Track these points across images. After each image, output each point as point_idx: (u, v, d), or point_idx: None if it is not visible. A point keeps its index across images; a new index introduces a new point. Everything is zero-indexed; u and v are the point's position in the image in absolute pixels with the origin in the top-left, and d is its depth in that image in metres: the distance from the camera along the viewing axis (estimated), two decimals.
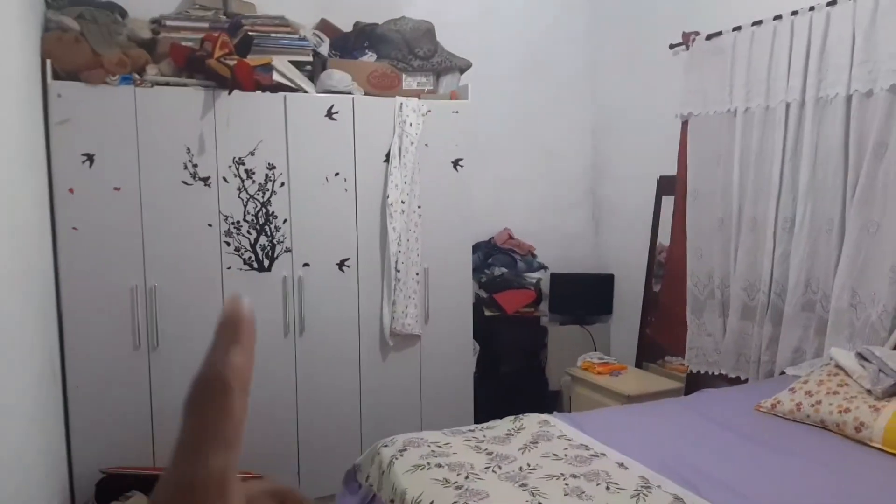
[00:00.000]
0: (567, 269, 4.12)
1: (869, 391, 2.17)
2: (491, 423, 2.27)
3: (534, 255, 3.93)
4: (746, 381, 3.16)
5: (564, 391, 3.90)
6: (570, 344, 4.02)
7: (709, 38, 3.28)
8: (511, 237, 3.95)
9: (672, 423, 2.26)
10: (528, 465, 1.90)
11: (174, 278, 2.76)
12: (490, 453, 1.99)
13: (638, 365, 3.86)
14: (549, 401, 3.93)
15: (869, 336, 2.54)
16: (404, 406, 3.23)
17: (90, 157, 2.61)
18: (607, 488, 1.76)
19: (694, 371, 3.42)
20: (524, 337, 3.93)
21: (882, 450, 1.98)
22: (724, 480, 1.79)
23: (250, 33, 2.89)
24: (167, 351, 2.76)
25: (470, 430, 2.18)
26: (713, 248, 3.26)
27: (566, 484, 1.78)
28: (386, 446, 2.06)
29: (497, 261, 3.86)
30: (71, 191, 2.59)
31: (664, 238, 3.75)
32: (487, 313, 3.78)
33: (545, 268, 3.95)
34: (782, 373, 2.87)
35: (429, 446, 2.03)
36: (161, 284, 2.74)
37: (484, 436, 2.13)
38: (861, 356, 2.28)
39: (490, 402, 3.63)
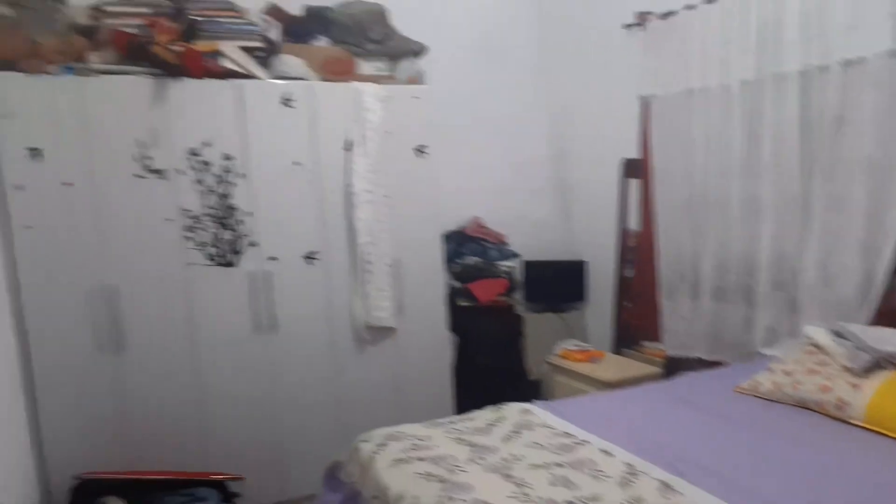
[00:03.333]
0: (539, 256, 4.09)
1: (848, 369, 2.17)
2: (471, 414, 2.21)
3: (505, 243, 3.88)
4: (725, 363, 3.16)
5: (544, 380, 3.87)
6: (547, 332, 3.99)
7: (663, 17, 3.25)
8: (481, 225, 3.89)
9: (653, 408, 2.23)
10: (512, 455, 1.85)
11: (135, 277, 2.64)
12: (472, 444, 1.93)
13: (615, 351, 3.84)
14: (529, 391, 3.89)
15: (843, 312, 2.54)
16: (383, 400, 3.16)
17: (38, 152, 2.46)
18: (594, 476, 1.71)
19: (672, 355, 3.41)
20: (500, 326, 3.88)
21: (865, 427, 1.98)
22: (709, 465, 1.76)
23: (196, 18, 2.76)
24: (134, 352, 2.64)
25: (450, 422, 2.12)
26: (681, 230, 3.24)
27: (551, 473, 1.73)
28: (365, 441, 1.98)
29: (468, 250, 3.81)
30: (20, 187, 2.44)
31: (633, 221, 3.73)
32: (462, 303, 3.72)
33: (517, 255, 3.91)
34: (759, 353, 2.87)
35: (409, 440, 1.96)
36: (122, 283, 2.62)
37: (465, 427, 2.07)
38: (837, 334, 2.27)
39: (469, 393, 3.57)
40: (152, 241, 2.67)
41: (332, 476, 2.04)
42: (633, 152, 3.57)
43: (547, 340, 3.81)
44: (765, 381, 2.31)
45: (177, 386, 2.73)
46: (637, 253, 3.62)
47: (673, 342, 3.38)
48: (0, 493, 1.92)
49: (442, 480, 1.68)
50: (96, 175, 2.56)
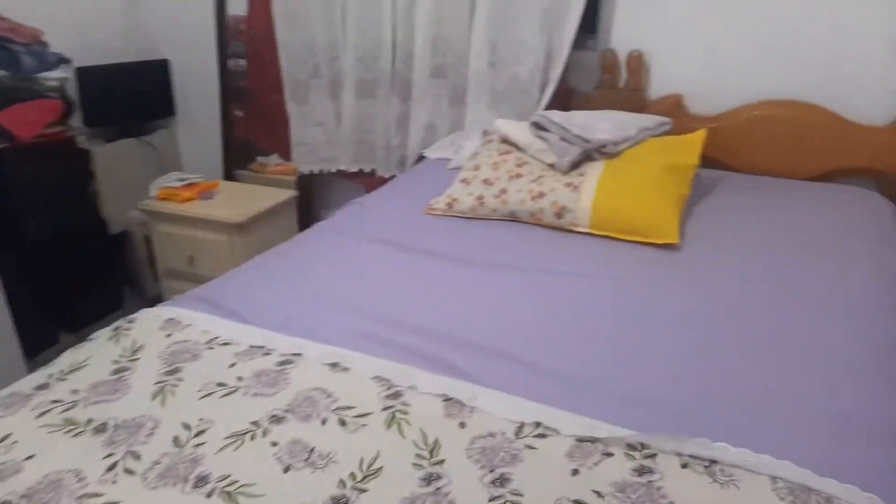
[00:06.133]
0: (97, 59, 2.82)
1: (552, 166, 1.84)
2: (74, 354, 1.25)
3: (43, 43, 2.52)
4: (372, 173, 2.66)
5: (136, 234, 2.87)
6: (130, 167, 2.92)
7: None
8: (1, 17, 2.42)
9: (340, 263, 1.59)
10: (187, 426, 1.04)
11: None
12: (101, 427, 1.04)
13: (229, 177, 3.01)
14: (112, 253, 2.88)
15: (518, 99, 2.20)
16: None
17: None
18: (343, 424, 1.04)
19: (306, 172, 2.77)
20: (58, 171, 2.65)
21: (591, 234, 1.71)
22: (459, 335, 1.26)
23: None
24: None
25: (41, 388, 1.14)
26: (312, 10, 2.45)
27: (275, 446, 1.00)
28: None
29: None
30: None
31: (237, 2, 2.76)
32: None
33: (67, 61, 2.59)
34: (421, 157, 2.43)
35: None
36: None
37: (76, 391, 1.13)
38: (538, 125, 1.91)
39: (26, 283, 2.43)
40: None
41: None
42: None
43: (133, 178, 2.78)
44: (462, 195, 1.86)
45: None
46: (249, 44, 2.70)
47: (308, 156, 2.72)
48: None
49: None
50: None
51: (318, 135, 2.65)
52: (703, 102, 2.12)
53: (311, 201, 2.93)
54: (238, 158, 3.01)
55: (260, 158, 3.01)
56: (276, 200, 2.61)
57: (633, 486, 0.91)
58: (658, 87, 2.18)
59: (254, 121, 2.81)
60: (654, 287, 1.45)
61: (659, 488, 0.90)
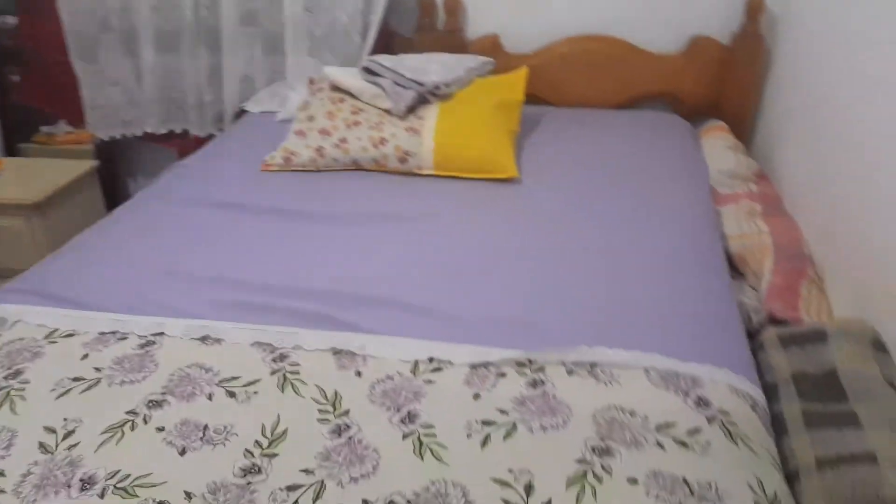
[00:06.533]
0: None
1: (387, 111, 1.83)
2: None
3: None
4: (185, 134, 2.46)
5: None
6: None
7: None
8: None
9: (181, 232, 1.47)
10: (51, 430, 0.93)
11: None
12: None
13: (10, 153, 2.61)
14: None
15: (339, 45, 2.14)
16: None
17: None
18: (230, 394, 0.99)
19: (105, 138, 2.49)
20: None
21: (436, 175, 1.74)
22: (327, 289, 1.24)
23: None
24: None
25: None
26: None
27: (162, 431, 0.92)
28: None
29: None
30: None
31: None
32: None
33: None
34: (242, 112, 2.28)
35: None
36: None
37: None
38: (369, 71, 1.87)
39: None
40: None
41: None
42: None
43: None
44: (298, 148, 1.79)
45: None
46: None
47: (104, 119, 2.44)
48: None
49: None
50: None
51: (115, 95, 2.37)
52: (517, 41, 2.22)
53: (117, 171, 2.65)
54: (18, 130, 2.62)
55: (45, 128, 2.64)
56: (74, 174, 2.32)
57: (531, 398, 0.97)
58: (475, 27, 2.23)
59: (34, 84, 2.44)
60: (504, 219, 1.52)
61: (554, 396, 0.98)
